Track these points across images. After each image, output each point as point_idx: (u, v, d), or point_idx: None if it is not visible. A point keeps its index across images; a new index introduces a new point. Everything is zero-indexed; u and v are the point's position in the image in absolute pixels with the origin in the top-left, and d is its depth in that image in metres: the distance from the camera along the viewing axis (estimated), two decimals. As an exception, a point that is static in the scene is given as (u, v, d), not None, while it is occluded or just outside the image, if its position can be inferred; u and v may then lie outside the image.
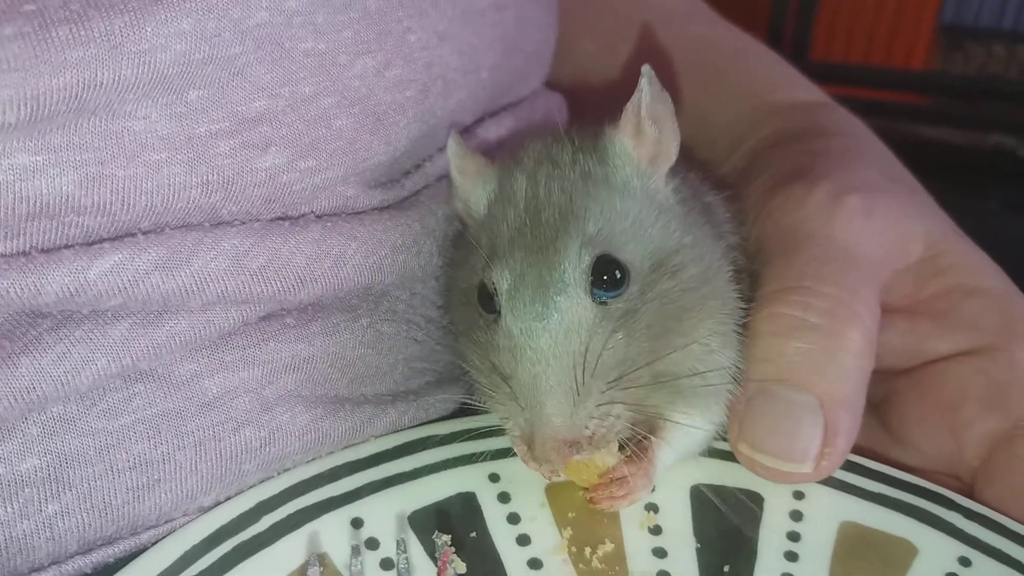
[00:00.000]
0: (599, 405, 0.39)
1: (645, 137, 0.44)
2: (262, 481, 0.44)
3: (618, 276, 0.41)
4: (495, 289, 0.41)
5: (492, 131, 0.55)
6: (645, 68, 0.43)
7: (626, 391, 0.40)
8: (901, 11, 2.06)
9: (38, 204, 0.36)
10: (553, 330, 0.39)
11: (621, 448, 0.43)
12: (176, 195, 0.40)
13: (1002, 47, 2.07)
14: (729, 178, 0.57)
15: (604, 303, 0.40)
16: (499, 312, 0.41)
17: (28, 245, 0.37)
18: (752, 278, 0.48)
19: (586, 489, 0.44)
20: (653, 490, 0.45)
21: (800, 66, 0.67)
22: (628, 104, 0.44)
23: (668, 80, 0.63)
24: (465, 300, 0.45)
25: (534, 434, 0.39)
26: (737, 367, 0.45)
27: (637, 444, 0.43)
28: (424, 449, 0.46)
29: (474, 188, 0.47)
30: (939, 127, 1.75)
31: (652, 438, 0.43)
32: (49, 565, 0.39)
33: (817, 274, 0.45)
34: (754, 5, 1.91)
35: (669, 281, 0.42)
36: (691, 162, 0.53)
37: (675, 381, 0.43)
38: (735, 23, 0.71)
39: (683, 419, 0.44)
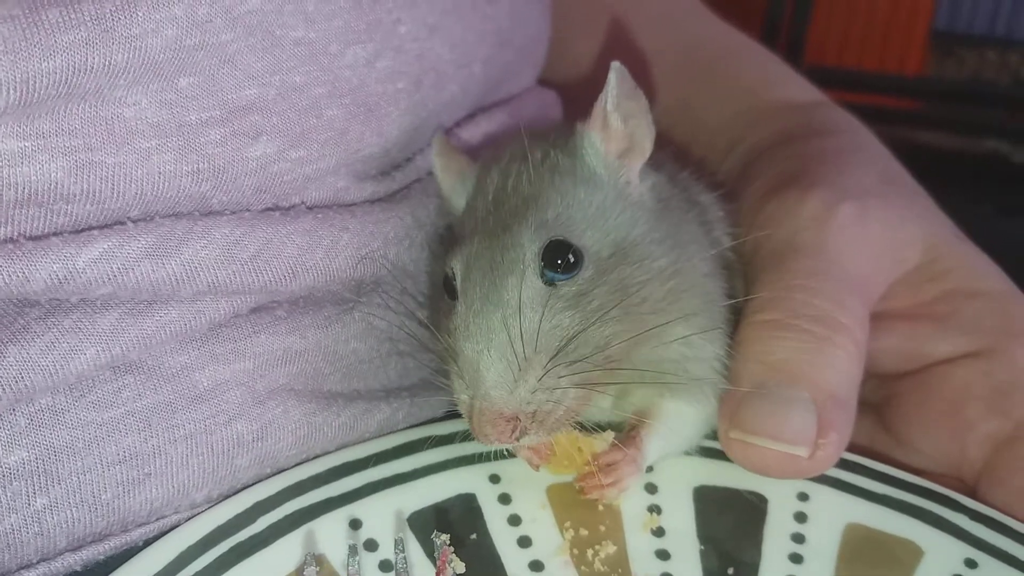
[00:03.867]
0: (540, 379, 0.39)
1: (612, 131, 0.44)
2: (255, 477, 0.43)
3: (571, 260, 0.41)
4: (453, 273, 0.42)
5: (484, 126, 0.54)
6: (614, 64, 0.43)
7: (572, 367, 0.40)
8: (894, 17, 2.07)
9: (27, 191, 0.36)
10: (498, 308, 0.40)
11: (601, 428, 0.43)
12: (166, 183, 0.39)
13: (994, 53, 2.09)
14: (725, 179, 0.57)
15: (553, 285, 0.40)
16: (457, 296, 0.41)
17: (16, 232, 0.36)
18: (745, 281, 0.48)
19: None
20: (650, 470, 0.45)
21: (794, 70, 0.67)
22: (597, 100, 0.44)
23: (663, 78, 0.63)
24: (438, 293, 0.45)
25: (472, 408, 0.39)
26: (723, 362, 0.45)
27: (627, 432, 0.43)
28: (423, 449, 0.45)
29: (455, 186, 0.48)
30: (933, 132, 1.76)
31: (641, 426, 0.44)
32: (38, 562, 0.38)
33: (805, 286, 0.45)
34: (749, 9, 1.92)
35: (630, 269, 0.42)
36: (686, 161, 0.52)
37: (643, 370, 0.43)
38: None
39: (671, 408, 0.44)
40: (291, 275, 0.43)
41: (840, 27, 2.10)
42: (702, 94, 0.63)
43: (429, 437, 0.46)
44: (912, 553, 0.42)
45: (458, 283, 0.41)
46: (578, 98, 0.66)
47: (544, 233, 0.41)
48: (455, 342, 0.40)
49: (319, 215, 0.44)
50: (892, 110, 1.86)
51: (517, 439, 0.39)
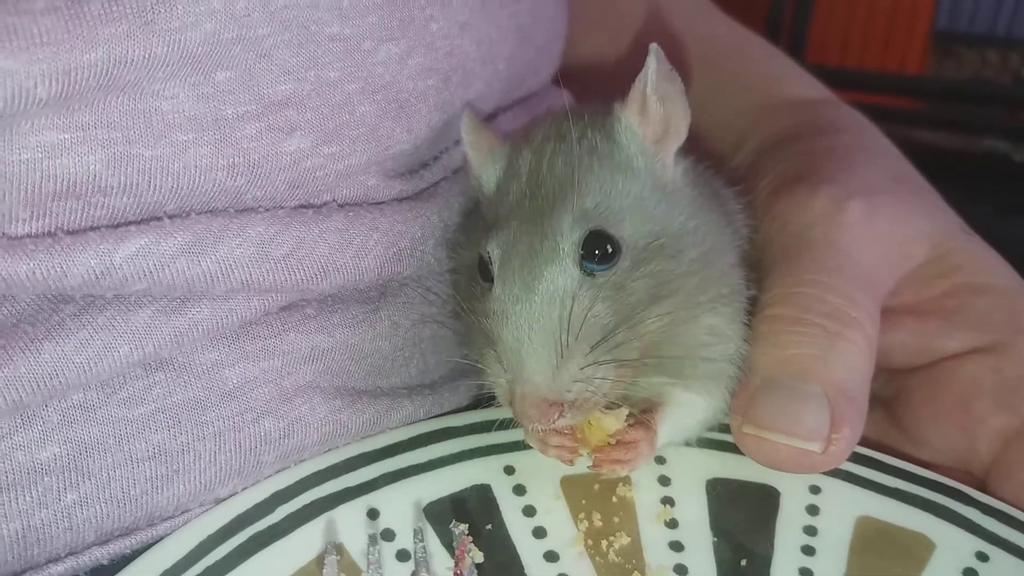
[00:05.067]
0: (582, 368, 0.40)
1: (651, 114, 0.44)
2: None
3: (609, 251, 0.41)
4: (490, 258, 0.42)
5: (506, 123, 0.54)
6: (653, 46, 0.43)
7: (610, 354, 0.40)
8: (895, 17, 2.07)
9: (65, 183, 0.36)
10: (539, 297, 0.40)
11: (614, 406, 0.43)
12: (202, 177, 0.39)
13: (995, 53, 2.09)
14: (737, 174, 0.57)
15: (592, 275, 0.41)
16: (493, 280, 0.42)
17: (54, 226, 0.37)
18: (758, 275, 0.49)
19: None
20: (662, 461, 0.46)
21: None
22: (636, 81, 0.44)
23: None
24: (468, 276, 0.45)
25: (514, 392, 0.40)
26: (741, 353, 0.45)
27: (641, 413, 0.44)
28: (440, 440, 0.46)
29: (485, 164, 0.47)
30: (933, 131, 1.76)
31: (653, 410, 0.44)
32: (66, 555, 0.39)
33: (817, 282, 0.45)
34: (751, 9, 1.92)
35: (665, 262, 0.42)
36: (704, 155, 0.53)
37: (669, 358, 0.43)
38: (731, 26, 0.71)
39: (683, 395, 0.45)
40: (322, 274, 0.43)
41: (841, 27, 2.10)
42: (709, 91, 0.63)
43: (445, 428, 0.46)
44: (924, 546, 0.42)
45: (495, 268, 0.41)
46: (587, 95, 0.66)
47: (584, 223, 0.41)
48: (493, 327, 0.41)
49: (350, 213, 0.44)
50: (893, 109, 1.86)
51: (554, 422, 0.40)
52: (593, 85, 0.68)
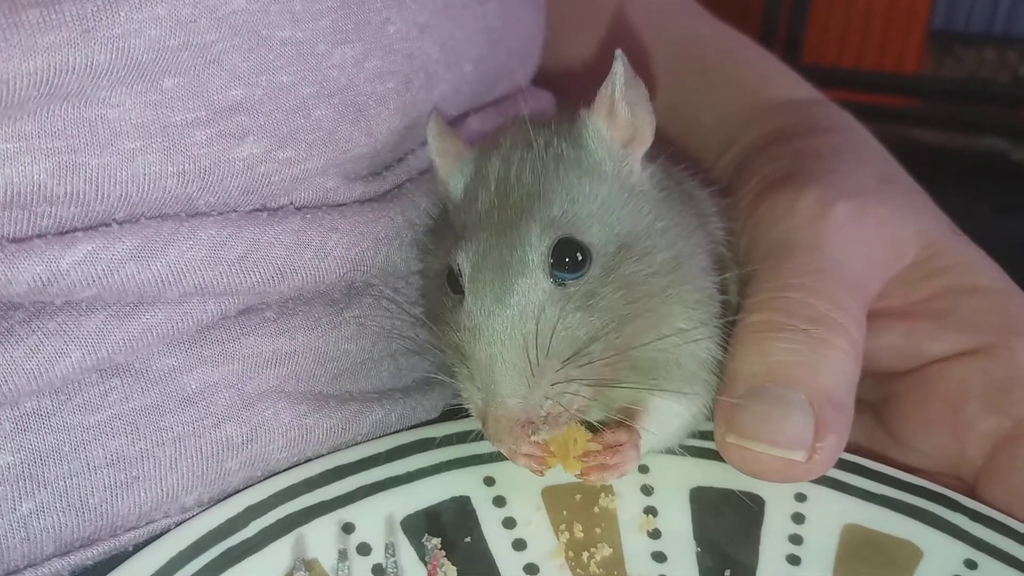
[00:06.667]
0: (554, 384, 0.39)
1: (618, 119, 0.44)
2: (246, 480, 0.43)
3: (579, 258, 0.41)
4: (460, 270, 0.41)
5: (476, 126, 0.54)
6: (618, 52, 0.43)
7: (584, 369, 0.40)
8: (892, 16, 2.07)
9: (9, 193, 0.35)
10: (510, 310, 0.39)
11: (594, 429, 0.43)
12: (152, 184, 0.39)
13: (992, 51, 2.09)
14: (720, 177, 0.56)
15: (563, 284, 0.40)
16: (464, 293, 0.41)
17: None
18: (740, 280, 0.48)
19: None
20: (645, 471, 0.45)
21: (792, 69, 0.66)
22: (602, 87, 0.44)
23: (658, 77, 0.63)
24: (437, 284, 0.45)
25: (487, 414, 0.39)
26: (716, 358, 0.45)
27: (619, 423, 0.43)
28: (417, 452, 0.45)
29: (452, 170, 0.47)
30: (931, 130, 1.76)
31: (633, 418, 0.44)
32: (25, 567, 0.38)
33: (801, 285, 0.45)
34: (747, 9, 1.92)
35: (635, 264, 0.42)
36: (680, 158, 0.52)
37: (645, 363, 0.43)
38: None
39: (659, 402, 0.44)
40: (279, 276, 0.42)
41: (838, 26, 2.10)
42: (697, 93, 0.63)
43: (423, 439, 0.46)
44: (911, 554, 0.41)
45: (466, 281, 0.41)
46: (574, 97, 0.65)
47: (552, 232, 0.40)
48: (465, 343, 0.40)
49: (307, 216, 0.43)
50: (890, 109, 1.87)
51: (528, 439, 0.39)
52: (578, 88, 0.68)
